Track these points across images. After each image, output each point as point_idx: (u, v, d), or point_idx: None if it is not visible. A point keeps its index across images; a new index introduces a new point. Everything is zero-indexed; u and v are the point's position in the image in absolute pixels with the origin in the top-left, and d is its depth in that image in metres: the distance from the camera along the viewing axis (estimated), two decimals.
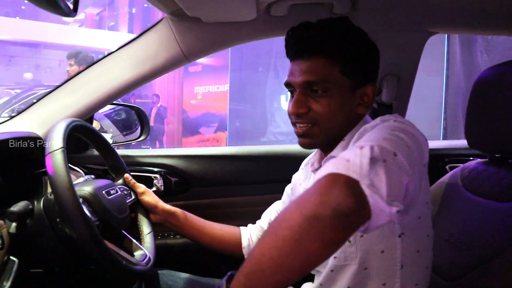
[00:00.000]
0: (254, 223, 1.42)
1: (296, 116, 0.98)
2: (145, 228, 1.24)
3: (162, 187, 1.54)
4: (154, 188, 1.54)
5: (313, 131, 0.98)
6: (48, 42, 15.80)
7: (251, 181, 1.63)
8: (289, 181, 1.62)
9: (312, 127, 0.97)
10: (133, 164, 1.54)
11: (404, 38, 1.47)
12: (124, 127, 1.87)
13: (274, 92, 7.57)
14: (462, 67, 4.86)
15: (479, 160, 1.25)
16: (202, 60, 8.97)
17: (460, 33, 4.56)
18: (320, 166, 1.07)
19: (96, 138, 1.21)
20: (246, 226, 1.60)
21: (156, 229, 1.28)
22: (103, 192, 1.05)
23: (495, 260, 0.99)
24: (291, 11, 1.30)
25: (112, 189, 1.10)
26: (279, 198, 1.61)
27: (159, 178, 1.54)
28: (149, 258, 1.12)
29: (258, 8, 1.24)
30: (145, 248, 1.16)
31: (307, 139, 0.99)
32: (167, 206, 1.25)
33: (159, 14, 8.33)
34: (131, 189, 1.25)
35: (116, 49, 1.38)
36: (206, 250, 1.29)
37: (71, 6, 0.70)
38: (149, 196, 1.25)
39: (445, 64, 5.28)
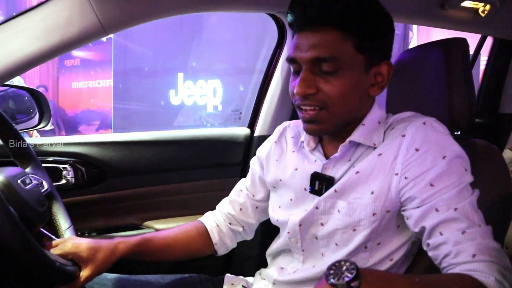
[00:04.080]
0: (181, 212, 1.32)
1: (303, 97, 0.85)
2: (63, 222, 1.05)
3: (73, 179, 1.35)
4: (64, 181, 1.34)
5: (321, 115, 0.86)
6: None
7: (174, 167, 1.51)
8: (216, 166, 1.55)
9: (319, 111, 0.86)
10: (39, 154, 1.31)
11: None
12: (16, 113, 1.60)
13: (161, 86, 7.33)
14: None
15: None
16: (80, 54, 8.35)
17: None
18: (316, 146, 0.98)
19: None
20: (172, 217, 1.49)
21: (75, 226, 1.11)
22: (18, 181, 0.87)
23: None
24: None
25: (26, 178, 0.92)
26: (207, 185, 1.53)
27: (69, 168, 1.35)
28: None
29: None
30: None
31: (315, 125, 0.88)
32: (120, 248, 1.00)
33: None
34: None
35: (13, 15, 1.16)
36: None
37: None
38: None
39: None
